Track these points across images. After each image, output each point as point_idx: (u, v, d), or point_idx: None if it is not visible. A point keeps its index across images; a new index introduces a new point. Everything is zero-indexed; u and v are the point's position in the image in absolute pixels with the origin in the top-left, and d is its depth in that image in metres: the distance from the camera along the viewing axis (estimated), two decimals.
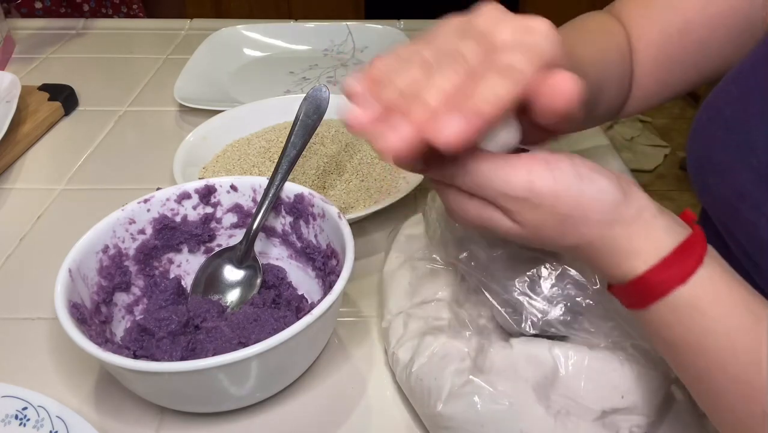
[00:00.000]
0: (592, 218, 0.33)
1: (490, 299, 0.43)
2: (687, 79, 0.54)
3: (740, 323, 0.32)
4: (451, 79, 0.31)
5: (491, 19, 0.34)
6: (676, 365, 0.36)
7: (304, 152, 0.62)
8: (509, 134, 0.35)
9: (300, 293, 0.51)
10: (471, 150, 0.32)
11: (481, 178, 0.33)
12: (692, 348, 0.33)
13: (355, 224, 0.58)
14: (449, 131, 0.29)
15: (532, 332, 0.41)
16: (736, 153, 0.47)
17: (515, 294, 0.42)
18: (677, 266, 0.33)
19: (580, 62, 0.45)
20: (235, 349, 0.40)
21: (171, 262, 0.52)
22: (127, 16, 1.19)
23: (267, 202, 0.50)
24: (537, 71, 0.31)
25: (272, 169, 0.51)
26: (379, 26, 0.97)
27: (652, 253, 0.33)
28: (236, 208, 0.52)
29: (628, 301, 0.35)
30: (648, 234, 0.34)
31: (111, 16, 1.17)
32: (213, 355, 0.40)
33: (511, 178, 0.32)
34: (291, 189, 0.50)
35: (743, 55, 0.49)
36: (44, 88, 0.80)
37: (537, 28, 0.34)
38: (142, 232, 0.49)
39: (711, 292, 0.33)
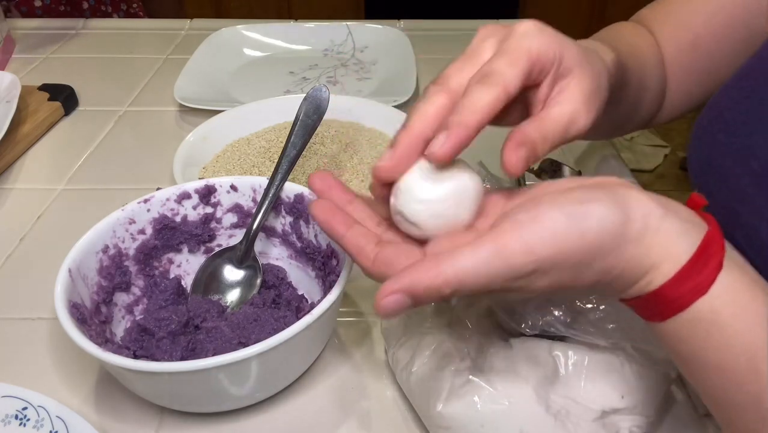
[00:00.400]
0: (604, 251, 0.30)
1: (491, 298, 0.43)
2: (705, 88, 0.57)
3: (762, 339, 0.30)
4: (436, 102, 0.34)
5: (480, 37, 0.36)
6: (692, 378, 0.34)
7: (304, 152, 0.62)
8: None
9: (300, 293, 0.51)
10: (452, 256, 0.30)
11: (482, 277, 0.29)
12: (709, 364, 0.32)
13: None
14: (437, 148, 0.32)
15: (532, 332, 0.41)
16: (737, 157, 0.47)
17: None
18: (696, 276, 0.30)
19: (622, 55, 0.46)
20: (235, 349, 0.40)
21: (171, 262, 0.52)
22: (127, 14, 1.19)
23: (267, 202, 0.50)
24: (523, 69, 0.34)
25: (272, 169, 0.51)
26: (379, 26, 0.97)
27: (669, 264, 0.31)
28: (236, 208, 0.52)
29: (644, 313, 0.33)
30: (662, 243, 0.31)
31: (111, 15, 1.17)
32: (213, 355, 0.40)
33: (511, 260, 0.29)
34: (291, 189, 0.50)
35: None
36: (44, 88, 0.80)
37: (516, 29, 0.35)
38: (142, 232, 0.49)
39: (731, 303, 0.30)
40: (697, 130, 0.52)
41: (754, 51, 0.51)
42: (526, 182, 0.58)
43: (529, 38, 0.35)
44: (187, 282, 0.52)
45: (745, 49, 0.53)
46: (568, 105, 0.35)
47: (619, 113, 0.51)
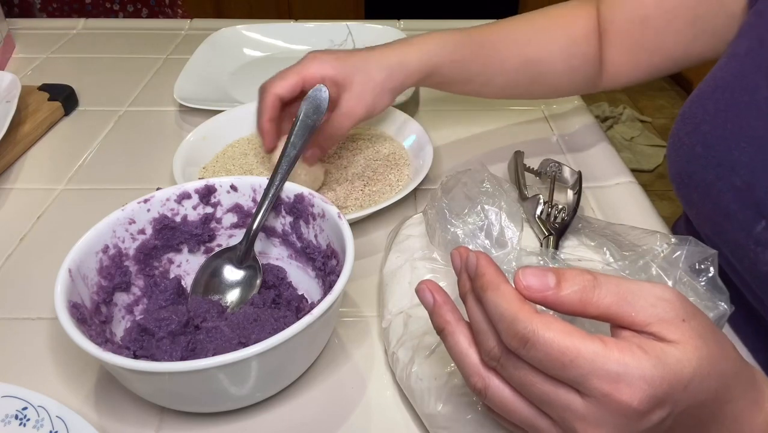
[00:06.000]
0: (737, 390, 0.30)
1: None
2: (652, 62, 0.62)
3: None
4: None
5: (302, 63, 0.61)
6: None
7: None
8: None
9: (300, 293, 0.51)
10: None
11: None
12: None
13: (355, 224, 0.58)
14: None
15: None
16: (717, 171, 0.47)
17: None
18: None
19: (496, 62, 0.63)
20: (235, 349, 0.40)
21: (171, 262, 0.52)
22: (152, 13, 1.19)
23: (267, 202, 0.50)
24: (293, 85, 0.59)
25: (272, 170, 0.51)
26: (379, 26, 0.97)
27: None
28: (236, 208, 0.52)
29: None
30: None
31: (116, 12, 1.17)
32: (213, 355, 0.40)
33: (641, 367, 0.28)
34: (291, 189, 0.50)
35: (699, 42, 0.57)
36: (44, 88, 0.80)
37: (306, 67, 0.59)
38: (142, 232, 0.49)
39: None
40: (674, 142, 0.52)
41: (700, 32, 0.56)
42: (526, 183, 0.58)
43: (304, 64, 0.59)
44: (187, 282, 0.52)
45: (691, 31, 0.57)
46: (340, 110, 0.58)
47: (476, 90, 0.66)
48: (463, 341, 0.33)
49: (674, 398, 0.28)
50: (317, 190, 0.58)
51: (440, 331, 0.34)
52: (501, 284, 0.30)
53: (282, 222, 0.52)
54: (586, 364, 0.28)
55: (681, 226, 0.63)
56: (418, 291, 0.35)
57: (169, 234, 0.51)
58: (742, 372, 0.31)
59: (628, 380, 0.27)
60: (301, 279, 0.52)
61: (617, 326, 0.30)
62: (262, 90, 0.60)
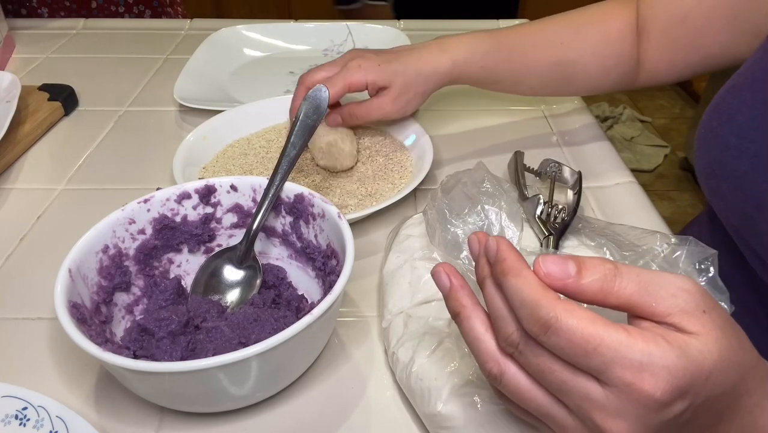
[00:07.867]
0: (753, 383, 0.30)
1: None
2: (689, 61, 0.62)
3: None
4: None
5: (342, 60, 0.67)
6: None
7: (304, 152, 0.62)
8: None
9: (300, 293, 0.51)
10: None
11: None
12: None
13: (355, 224, 0.58)
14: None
15: None
16: (752, 161, 0.46)
17: None
18: None
19: (527, 61, 0.66)
20: (235, 349, 0.40)
21: (171, 262, 0.52)
22: (155, 13, 1.18)
23: (267, 202, 0.50)
24: (341, 91, 0.63)
25: (272, 170, 0.51)
26: (379, 26, 0.97)
27: None
28: (236, 208, 0.52)
29: None
30: None
31: (122, 15, 1.17)
32: (213, 355, 0.40)
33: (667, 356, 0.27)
34: (291, 189, 0.50)
35: (737, 41, 0.57)
36: (44, 88, 0.80)
37: (348, 66, 0.64)
38: (142, 232, 0.49)
39: None
40: (705, 132, 0.52)
41: (739, 32, 0.56)
42: (526, 183, 0.58)
43: (350, 72, 0.62)
44: (187, 282, 0.52)
45: (730, 30, 0.57)
46: (374, 103, 0.65)
47: (504, 89, 0.70)
48: (479, 325, 0.32)
49: (695, 390, 0.28)
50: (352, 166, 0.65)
51: (455, 315, 0.33)
52: (522, 269, 0.30)
53: (282, 222, 0.52)
54: (610, 352, 0.27)
55: (702, 223, 0.62)
56: (433, 274, 0.34)
57: (169, 234, 0.51)
58: (758, 365, 0.31)
59: (651, 370, 0.27)
60: (301, 279, 0.52)
61: (636, 316, 0.30)
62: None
